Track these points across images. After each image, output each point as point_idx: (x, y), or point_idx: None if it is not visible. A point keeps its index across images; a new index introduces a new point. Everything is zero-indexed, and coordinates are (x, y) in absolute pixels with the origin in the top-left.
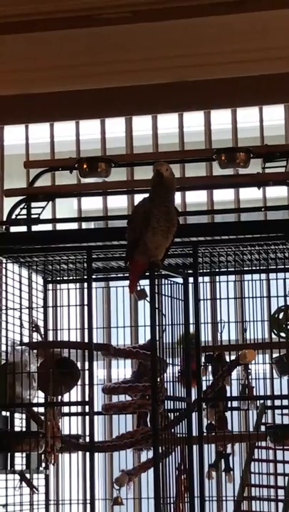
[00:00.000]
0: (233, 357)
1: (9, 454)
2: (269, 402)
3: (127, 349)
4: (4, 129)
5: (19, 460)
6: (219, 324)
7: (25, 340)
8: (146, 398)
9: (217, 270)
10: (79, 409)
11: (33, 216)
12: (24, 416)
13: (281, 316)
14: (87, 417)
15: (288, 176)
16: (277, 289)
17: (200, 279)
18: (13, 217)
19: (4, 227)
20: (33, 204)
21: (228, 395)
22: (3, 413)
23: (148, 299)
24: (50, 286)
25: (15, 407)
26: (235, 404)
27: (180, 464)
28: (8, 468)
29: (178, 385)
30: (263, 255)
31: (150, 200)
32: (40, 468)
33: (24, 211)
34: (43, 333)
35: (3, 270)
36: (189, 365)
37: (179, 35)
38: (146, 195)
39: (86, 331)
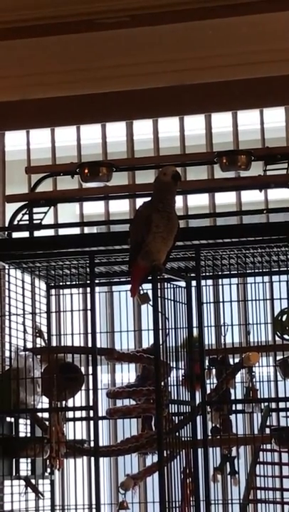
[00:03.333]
0: (236, 360)
1: (14, 460)
2: (273, 405)
3: (131, 353)
4: (5, 135)
5: (24, 466)
6: (223, 327)
7: (29, 345)
8: (150, 402)
9: (220, 273)
10: (83, 414)
11: (35, 221)
12: (29, 421)
13: (284, 318)
14: (91, 422)
15: None
16: (280, 291)
17: (203, 282)
18: (15, 222)
19: (6, 232)
20: (35, 209)
21: (233, 397)
22: (8, 419)
23: (151, 303)
24: (53, 291)
25: (19, 412)
26: (239, 407)
27: (185, 468)
28: (14, 474)
29: (182, 388)
30: (265, 258)
31: (151, 204)
32: (46, 474)
33: (26, 217)
34: (46, 338)
35: (6, 276)
36: (193, 368)
37: (178, 39)
38: (148, 199)
39: (89, 335)
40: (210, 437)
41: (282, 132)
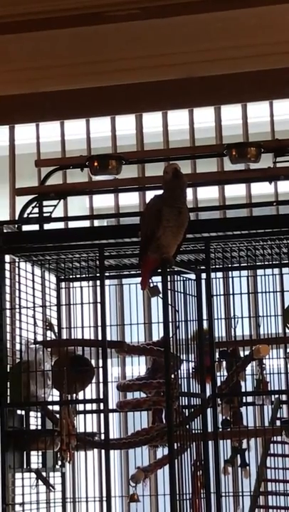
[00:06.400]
0: (247, 352)
1: (25, 453)
2: (284, 397)
3: (141, 346)
4: (15, 128)
5: (35, 458)
6: (233, 320)
7: (39, 338)
8: (160, 395)
9: (230, 265)
10: (94, 406)
11: (44, 215)
12: (39, 414)
13: None
14: (102, 415)
15: None
16: None
17: (213, 274)
18: (25, 216)
19: (16, 226)
20: (45, 202)
21: (243, 390)
22: (19, 412)
23: (161, 295)
24: (63, 284)
25: (30, 405)
26: (250, 399)
27: (196, 460)
28: (25, 467)
29: (192, 381)
30: (275, 250)
31: (162, 198)
32: (56, 467)
33: (36, 210)
34: (56, 331)
35: (16, 269)
36: (203, 361)
37: (187, 31)
38: (157, 191)
39: (100, 328)
40: (220, 430)
41: None
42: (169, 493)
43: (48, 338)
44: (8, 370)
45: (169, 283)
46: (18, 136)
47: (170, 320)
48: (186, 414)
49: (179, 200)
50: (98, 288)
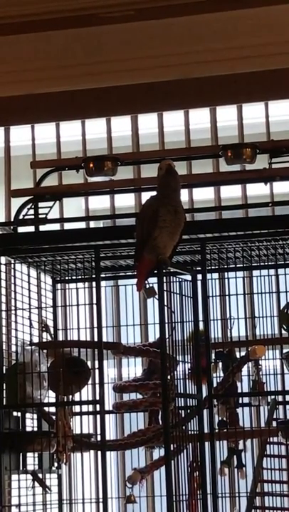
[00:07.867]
0: (243, 353)
1: (21, 454)
2: (280, 398)
3: (137, 347)
4: (10, 130)
5: (31, 460)
6: (229, 321)
7: (35, 340)
8: (157, 396)
9: (225, 267)
10: (90, 408)
11: (40, 216)
12: (35, 416)
13: None
14: (98, 416)
15: None
16: (286, 285)
17: (208, 275)
18: (21, 217)
19: (12, 227)
20: (41, 204)
21: (239, 391)
22: (15, 413)
23: (157, 296)
24: (58, 285)
25: (26, 407)
26: (246, 400)
27: (192, 461)
28: (21, 469)
29: (188, 382)
30: (271, 251)
31: (157, 199)
32: (53, 468)
33: (31, 211)
34: (52, 332)
35: (12, 271)
36: (199, 362)
37: (183, 32)
38: (153, 192)
39: (96, 329)
40: (217, 431)
41: (287, 125)
42: (166, 494)
43: (44, 340)
44: (4, 372)
45: (164, 284)
46: (14, 137)
47: (166, 321)
48: (183, 415)
49: (174, 200)
50: (94, 289)
